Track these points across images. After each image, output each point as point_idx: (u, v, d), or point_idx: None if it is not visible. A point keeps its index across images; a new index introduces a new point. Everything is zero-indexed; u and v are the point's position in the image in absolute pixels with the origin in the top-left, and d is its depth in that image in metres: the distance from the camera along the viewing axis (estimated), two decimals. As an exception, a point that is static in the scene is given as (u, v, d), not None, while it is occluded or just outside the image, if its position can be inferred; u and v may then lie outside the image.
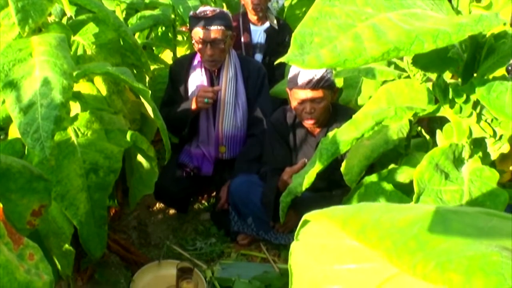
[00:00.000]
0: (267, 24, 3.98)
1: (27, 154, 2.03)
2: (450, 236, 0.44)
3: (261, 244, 2.89)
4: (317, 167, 1.47)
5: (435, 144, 1.53)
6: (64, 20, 2.88)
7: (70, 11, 2.23)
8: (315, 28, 0.94)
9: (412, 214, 0.48)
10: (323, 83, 2.47)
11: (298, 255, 0.69)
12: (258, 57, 3.98)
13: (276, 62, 1.00)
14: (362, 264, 0.57)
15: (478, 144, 1.41)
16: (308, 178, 1.50)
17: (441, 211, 0.48)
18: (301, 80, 2.46)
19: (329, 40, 0.92)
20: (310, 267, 0.63)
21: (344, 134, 1.42)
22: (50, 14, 2.56)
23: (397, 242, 0.45)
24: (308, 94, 2.49)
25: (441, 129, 1.47)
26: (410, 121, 1.89)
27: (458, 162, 1.32)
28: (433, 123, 2.89)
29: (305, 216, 0.62)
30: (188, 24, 3.11)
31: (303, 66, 0.88)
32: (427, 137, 2.24)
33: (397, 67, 2.33)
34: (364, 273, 0.57)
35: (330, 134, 1.47)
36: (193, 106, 2.94)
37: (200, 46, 2.94)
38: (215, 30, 2.88)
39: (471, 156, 1.37)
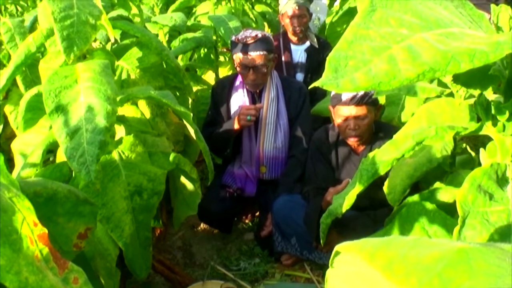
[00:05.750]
0: (307, 43, 3.99)
1: (74, 177, 2.09)
2: (473, 275, 0.43)
3: (305, 264, 2.87)
4: (357, 188, 1.45)
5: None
6: (109, 45, 2.97)
7: (114, 36, 2.29)
8: (350, 51, 0.94)
9: (438, 250, 0.48)
10: (367, 99, 2.46)
11: (334, 282, 0.68)
12: (300, 76, 3.98)
13: (310, 87, 1.00)
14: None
15: (523, 162, 1.37)
16: (348, 199, 1.49)
17: (465, 249, 0.47)
18: (345, 97, 2.46)
19: (363, 63, 0.91)
20: (346, 294, 0.63)
21: (385, 155, 1.40)
22: (95, 40, 2.64)
23: (422, 280, 0.44)
24: (352, 110, 2.48)
25: (485, 148, 1.44)
26: (454, 138, 1.85)
27: (502, 181, 1.28)
28: (478, 139, 2.83)
29: (337, 248, 0.62)
30: (229, 46, 3.15)
31: (337, 90, 0.88)
32: (473, 154, 2.19)
33: (440, 82, 2.29)
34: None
35: (371, 154, 1.46)
36: (236, 126, 2.96)
37: (242, 70, 2.97)
38: (257, 56, 2.90)
39: (516, 175, 1.33)
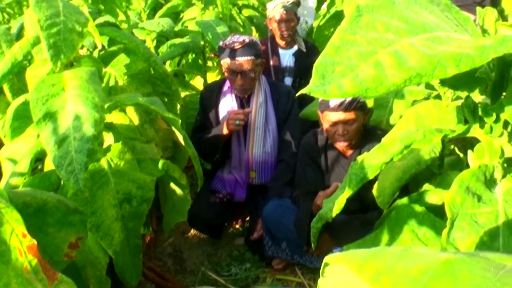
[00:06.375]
0: (295, 47, 3.99)
1: (63, 185, 2.08)
2: (458, 286, 0.44)
3: (296, 268, 2.87)
4: (347, 192, 1.46)
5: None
6: (97, 52, 2.96)
7: (101, 43, 2.29)
8: (337, 57, 0.94)
9: (424, 262, 0.48)
10: (355, 105, 2.46)
11: (326, 292, 0.68)
12: (288, 80, 3.98)
13: (297, 94, 1.00)
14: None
15: (510, 163, 1.38)
16: (338, 203, 1.49)
17: (451, 260, 0.47)
18: (333, 103, 2.46)
19: (350, 69, 0.91)
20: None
21: (373, 159, 1.41)
22: (82, 47, 2.62)
23: (408, 292, 0.44)
24: (340, 116, 2.48)
25: (473, 149, 1.45)
26: (442, 140, 1.86)
27: (490, 183, 1.29)
28: (466, 140, 2.84)
29: (326, 259, 0.62)
30: (217, 51, 3.15)
31: (324, 97, 0.88)
32: (461, 155, 2.21)
33: (427, 85, 2.30)
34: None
35: (359, 158, 1.46)
36: (225, 131, 2.95)
37: (230, 76, 2.97)
38: (245, 61, 2.90)
39: (504, 176, 1.34)
